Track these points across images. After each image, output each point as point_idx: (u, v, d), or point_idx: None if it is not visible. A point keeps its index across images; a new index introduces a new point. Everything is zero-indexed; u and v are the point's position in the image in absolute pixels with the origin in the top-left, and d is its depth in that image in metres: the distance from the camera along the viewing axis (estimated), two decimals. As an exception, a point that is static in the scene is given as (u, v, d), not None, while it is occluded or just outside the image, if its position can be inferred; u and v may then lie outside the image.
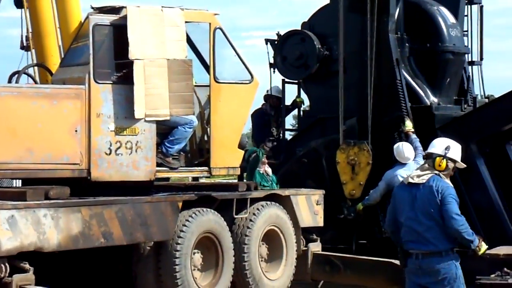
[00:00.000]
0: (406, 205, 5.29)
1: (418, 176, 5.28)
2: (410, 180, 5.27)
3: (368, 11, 9.36)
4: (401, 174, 8.56)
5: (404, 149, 8.91)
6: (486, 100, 11.59)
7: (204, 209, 7.45)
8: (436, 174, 5.24)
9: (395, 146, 9.07)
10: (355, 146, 9.64)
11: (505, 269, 6.36)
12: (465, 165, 5.47)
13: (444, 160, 5.15)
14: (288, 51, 10.61)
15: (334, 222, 9.42)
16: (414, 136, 9.22)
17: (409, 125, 9.38)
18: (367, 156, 9.57)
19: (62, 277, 7.37)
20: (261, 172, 9.51)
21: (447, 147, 5.23)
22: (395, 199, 5.47)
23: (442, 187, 5.19)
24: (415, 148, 8.94)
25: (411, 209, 5.23)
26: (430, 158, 5.30)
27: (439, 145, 5.32)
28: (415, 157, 8.85)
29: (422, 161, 7.28)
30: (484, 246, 5.33)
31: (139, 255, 7.22)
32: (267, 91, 10.95)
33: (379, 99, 9.70)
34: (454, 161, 5.19)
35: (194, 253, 7.48)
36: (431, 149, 5.33)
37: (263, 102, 10.88)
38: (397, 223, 5.36)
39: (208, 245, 7.69)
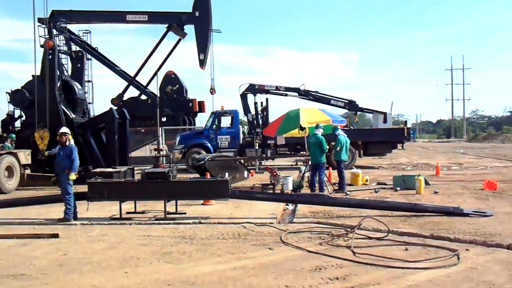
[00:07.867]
0: (58, 154, 11.79)
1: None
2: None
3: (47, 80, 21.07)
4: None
5: (64, 129, 18.03)
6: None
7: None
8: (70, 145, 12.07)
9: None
10: (42, 129, 20.13)
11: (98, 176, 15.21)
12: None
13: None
14: (16, 97, 21.17)
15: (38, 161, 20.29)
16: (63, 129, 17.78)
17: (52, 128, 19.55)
18: (47, 133, 20.09)
19: None
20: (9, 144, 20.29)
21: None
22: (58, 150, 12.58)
23: (71, 149, 11.91)
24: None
25: (59, 155, 11.83)
26: (64, 136, 12.11)
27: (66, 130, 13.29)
28: None
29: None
30: (73, 176, 11.42)
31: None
32: (9, 111, 21.82)
33: (53, 116, 20.33)
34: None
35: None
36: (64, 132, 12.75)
37: (6, 115, 21.82)
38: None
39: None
